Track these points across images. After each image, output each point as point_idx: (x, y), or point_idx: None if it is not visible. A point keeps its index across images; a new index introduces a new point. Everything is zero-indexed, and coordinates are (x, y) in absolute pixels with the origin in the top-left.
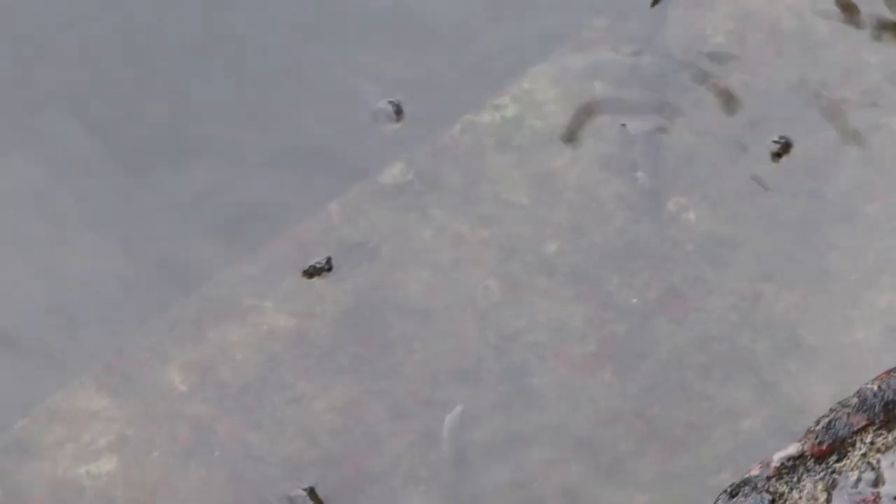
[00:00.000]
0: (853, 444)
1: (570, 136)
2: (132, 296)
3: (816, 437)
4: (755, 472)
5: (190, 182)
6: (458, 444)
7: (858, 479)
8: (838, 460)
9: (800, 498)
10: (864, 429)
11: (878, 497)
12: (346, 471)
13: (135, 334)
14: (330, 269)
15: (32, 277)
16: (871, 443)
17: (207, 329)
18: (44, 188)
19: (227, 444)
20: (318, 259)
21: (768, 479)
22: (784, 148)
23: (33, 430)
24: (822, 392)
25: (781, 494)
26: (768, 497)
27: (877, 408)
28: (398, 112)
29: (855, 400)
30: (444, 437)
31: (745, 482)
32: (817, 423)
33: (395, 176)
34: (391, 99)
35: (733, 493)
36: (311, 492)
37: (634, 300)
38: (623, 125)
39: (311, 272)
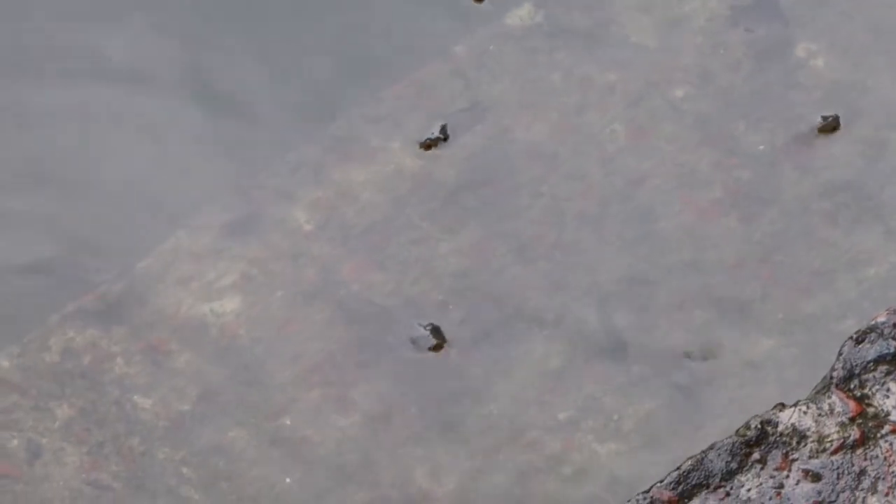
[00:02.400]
0: None
1: None
2: (256, 136)
3: None
4: (881, 318)
5: (312, 25)
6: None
7: None
8: None
9: None
10: None
11: None
12: (469, 312)
13: (260, 174)
14: (446, 139)
15: (153, 122)
16: None
17: (332, 169)
18: (165, 37)
19: (351, 284)
20: (431, 131)
21: (895, 325)
22: (832, 125)
23: (158, 268)
24: None
25: None
26: (894, 343)
27: None
28: None
29: None
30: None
31: (872, 329)
32: None
33: (522, 17)
34: None
35: (859, 340)
36: (435, 332)
37: (761, 147)
38: None
39: (427, 145)
